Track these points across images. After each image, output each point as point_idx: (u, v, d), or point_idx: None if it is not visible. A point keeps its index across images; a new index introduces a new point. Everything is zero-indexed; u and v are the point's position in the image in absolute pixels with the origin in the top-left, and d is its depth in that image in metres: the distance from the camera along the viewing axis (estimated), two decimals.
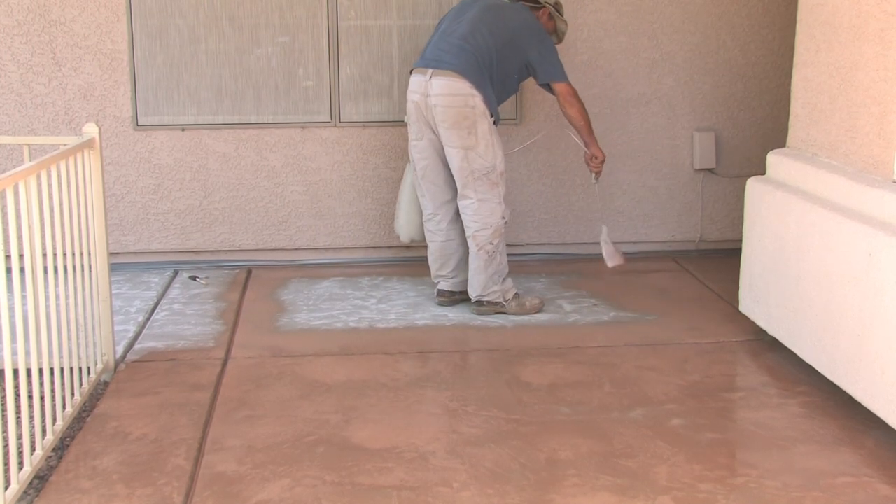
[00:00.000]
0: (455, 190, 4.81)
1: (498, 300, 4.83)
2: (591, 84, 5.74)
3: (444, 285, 4.97)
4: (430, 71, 4.66)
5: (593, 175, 5.01)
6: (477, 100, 4.62)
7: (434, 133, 4.73)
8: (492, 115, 4.69)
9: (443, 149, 4.74)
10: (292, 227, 5.77)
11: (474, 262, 4.79)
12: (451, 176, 4.80)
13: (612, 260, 5.04)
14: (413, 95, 4.73)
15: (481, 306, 4.84)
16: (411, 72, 4.80)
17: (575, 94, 4.80)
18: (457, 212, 4.85)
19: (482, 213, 4.73)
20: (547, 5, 4.94)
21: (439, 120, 4.65)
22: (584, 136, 4.89)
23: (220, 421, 3.63)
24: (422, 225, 4.99)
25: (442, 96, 4.62)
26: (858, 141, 3.80)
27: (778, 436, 3.50)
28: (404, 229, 5.09)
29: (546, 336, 4.56)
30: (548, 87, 4.85)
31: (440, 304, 4.97)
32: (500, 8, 4.82)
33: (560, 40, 5.04)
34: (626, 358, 4.28)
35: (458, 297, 4.97)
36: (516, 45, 4.72)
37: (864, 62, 3.75)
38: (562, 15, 5.00)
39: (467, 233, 4.79)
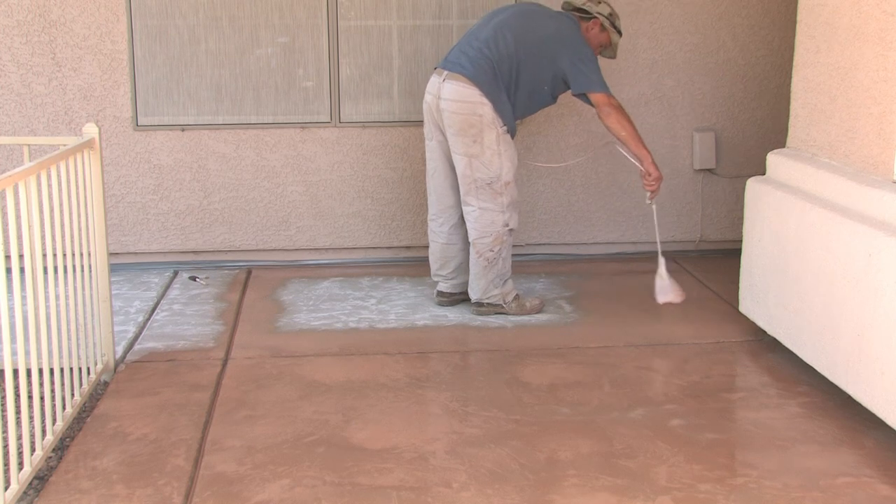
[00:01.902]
0: (460, 196, 4.79)
1: (498, 302, 4.82)
2: None
3: (444, 286, 4.98)
4: (445, 73, 4.63)
5: (648, 195, 4.75)
6: (486, 108, 4.53)
7: (443, 136, 4.72)
8: (504, 125, 4.59)
9: (450, 153, 4.73)
10: (292, 227, 5.77)
11: (475, 267, 4.78)
12: (452, 181, 4.80)
13: (664, 295, 4.82)
14: (427, 95, 4.72)
15: (481, 307, 4.84)
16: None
17: (612, 103, 4.60)
18: (461, 217, 4.82)
19: (482, 222, 4.68)
20: (599, 16, 4.74)
21: (446, 125, 4.63)
22: (633, 150, 4.66)
23: (220, 421, 3.63)
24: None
25: (450, 101, 4.57)
26: (858, 141, 3.80)
27: (778, 436, 3.50)
28: None
29: (546, 336, 4.56)
30: (585, 98, 4.67)
31: (439, 303, 4.97)
32: (533, 14, 4.69)
33: (615, 53, 4.91)
34: (626, 358, 4.28)
35: (457, 298, 4.97)
36: (546, 54, 4.59)
37: (863, 62, 3.75)
38: (617, 27, 4.81)
39: (469, 238, 4.77)
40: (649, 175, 4.68)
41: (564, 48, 4.60)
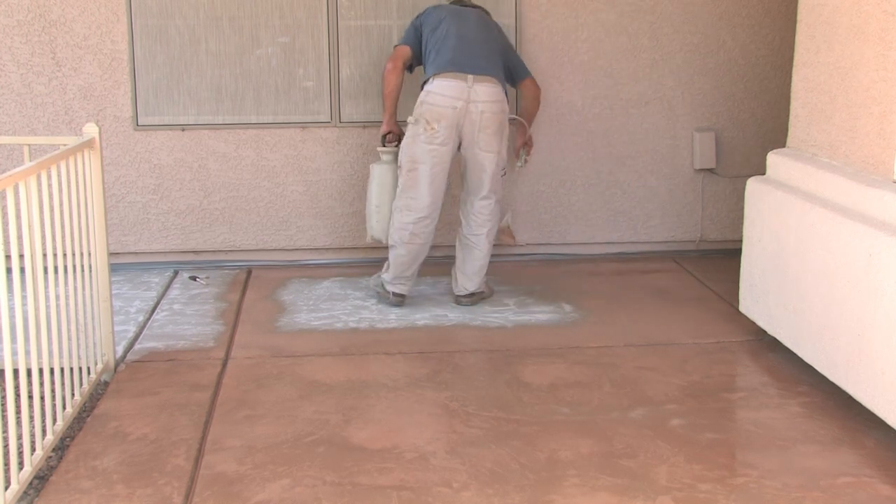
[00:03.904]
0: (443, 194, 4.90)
1: (484, 289, 5.03)
2: (591, 84, 5.75)
3: (403, 288, 4.95)
4: (471, 77, 4.69)
5: (524, 158, 5.32)
6: (506, 104, 4.83)
7: (459, 140, 4.76)
8: None
9: (453, 156, 4.81)
10: (292, 227, 5.77)
11: (483, 259, 4.93)
12: (447, 181, 4.87)
13: (505, 236, 5.38)
14: (454, 101, 4.67)
15: (473, 296, 4.98)
16: (434, 76, 4.73)
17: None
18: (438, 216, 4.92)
19: (497, 210, 4.95)
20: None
21: (483, 126, 4.71)
22: (531, 121, 5.28)
23: (220, 421, 3.63)
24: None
25: (489, 103, 4.71)
26: (858, 141, 3.80)
27: (778, 436, 3.50)
28: (384, 231, 5.07)
29: (546, 336, 4.56)
30: (511, 83, 5.14)
31: (396, 304, 4.93)
32: (484, 14, 5.09)
33: None
34: (626, 358, 4.28)
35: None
36: (504, 49, 5.00)
37: (864, 62, 3.75)
38: None
39: (479, 231, 4.89)
40: (532, 144, 5.41)
41: (507, 42, 5.12)
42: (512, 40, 5.65)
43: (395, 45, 5.10)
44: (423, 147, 4.77)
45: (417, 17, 5.07)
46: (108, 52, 5.49)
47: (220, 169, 5.66)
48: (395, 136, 5.08)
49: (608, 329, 4.66)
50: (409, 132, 4.82)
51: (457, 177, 5.12)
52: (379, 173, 5.07)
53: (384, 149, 5.11)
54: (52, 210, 3.37)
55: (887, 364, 3.32)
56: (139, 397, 3.85)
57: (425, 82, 4.81)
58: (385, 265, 5.00)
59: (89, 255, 3.78)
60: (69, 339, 3.51)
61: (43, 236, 3.23)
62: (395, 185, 4.99)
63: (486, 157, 4.77)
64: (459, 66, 4.73)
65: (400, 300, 4.96)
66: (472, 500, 3.05)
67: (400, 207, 4.86)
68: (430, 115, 4.72)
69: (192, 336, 4.56)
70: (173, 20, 5.50)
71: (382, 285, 4.98)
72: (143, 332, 4.60)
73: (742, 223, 4.55)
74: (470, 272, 4.93)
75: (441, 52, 4.81)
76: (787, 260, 4.07)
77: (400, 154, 4.89)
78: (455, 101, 4.69)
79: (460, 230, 4.99)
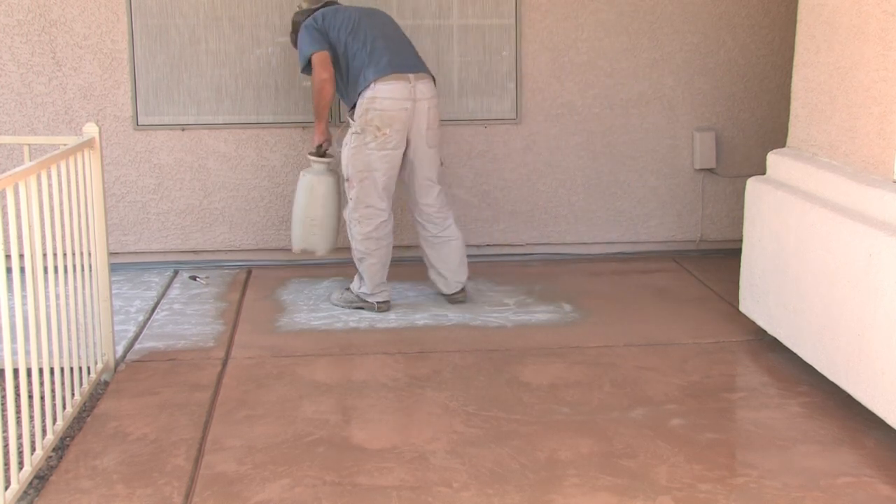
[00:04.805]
0: None
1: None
2: (591, 84, 5.74)
3: (387, 295, 4.91)
4: (412, 75, 4.69)
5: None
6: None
7: (408, 139, 4.75)
8: None
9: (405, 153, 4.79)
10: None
11: (462, 246, 4.95)
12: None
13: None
14: (403, 103, 4.64)
15: (464, 292, 5.01)
16: (375, 81, 4.61)
17: None
18: None
19: (446, 195, 4.98)
20: None
21: (429, 123, 4.75)
22: None
23: (220, 421, 3.63)
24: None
25: (431, 98, 4.77)
26: (858, 141, 3.80)
27: (778, 436, 3.50)
28: (331, 243, 5.08)
29: (546, 336, 4.56)
30: None
31: (381, 311, 4.86)
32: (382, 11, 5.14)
33: None
34: (626, 358, 4.28)
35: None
36: None
37: (864, 62, 3.75)
38: None
39: (447, 224, 4.91)
40: None
41: None
42: (512, 40, 5.67)
43: (314, 53, 4.74)
44: (375, 154, 4.67)
45: (314, 20, 4.82)
46: (108, 52, 5.49)
47: (220, 169, 5.66)
48: (329, 145, 5.01)
49: (608, 329, 4.66)
50: (353, 142, 4.69)
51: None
52: (315, 183, 4.96)
53: (320, 159, 4.97)
54: (52, 210, 3.37)
55: (887, 364, 3.32)
56: (139, 397, 3.85)
57: (364, 89, 4.64)
58: (356, 280, 4.91)
59: (89, 254, 3.79)
60: (69, 338, 3.51)
61: (43, 236, 3.23)
62: (333, 196, 4.94)
63: (432, 152, 4.82)
64: (398, 67, 4.69)
65: (387, 307, 4.90)
66: (472, 500, 3.05)
67: (358, 219, 4.77)
68: (379, 121, 4.63)
69: (192, 336, 4.56)
70: (173, 20, 5.50)
71: (360, 299, 4.88)
72: (143, 332, 4.60)
73: (742, 223, 4.54)
74: (455, 265, 4.92)
75: (375, 55, 4.68)
76: (787, 260, 4.07)
77: (345, 167, 4.75)
78: (404, 102, 4.66)
79: (424, 234, 4.91)
